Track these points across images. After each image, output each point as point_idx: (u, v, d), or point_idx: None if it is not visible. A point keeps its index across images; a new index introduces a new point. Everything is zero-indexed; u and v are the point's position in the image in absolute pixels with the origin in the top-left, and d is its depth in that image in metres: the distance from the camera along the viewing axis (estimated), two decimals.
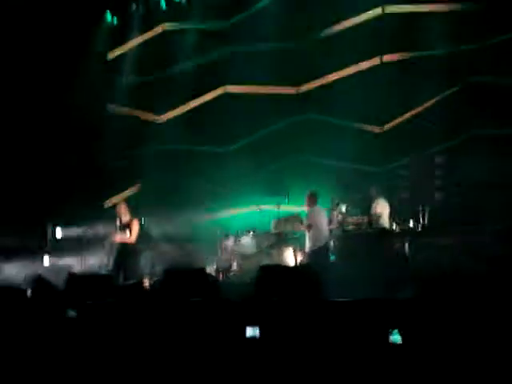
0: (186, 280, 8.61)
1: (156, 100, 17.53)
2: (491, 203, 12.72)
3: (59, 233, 16.87)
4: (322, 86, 16.12)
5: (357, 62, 15.65)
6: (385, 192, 12.93)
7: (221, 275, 13.64)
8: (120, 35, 18.00)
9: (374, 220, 12.28)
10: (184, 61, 17.37)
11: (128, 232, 12.07)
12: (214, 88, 17.24)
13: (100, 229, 14.36)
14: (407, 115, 15.10)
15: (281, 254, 13.24)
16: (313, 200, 12.74)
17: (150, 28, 18.01)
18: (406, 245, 11.53)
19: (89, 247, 14.86)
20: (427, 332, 6.20)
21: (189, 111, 17.55)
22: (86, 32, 16.72)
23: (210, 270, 13.56)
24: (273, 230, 13.72)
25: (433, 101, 14.82)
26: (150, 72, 17.74)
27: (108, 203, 16.89)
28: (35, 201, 15.68)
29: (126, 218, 12.20)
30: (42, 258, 16.08)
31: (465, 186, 13.77)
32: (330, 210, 12.95)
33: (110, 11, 17.99)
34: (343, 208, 12.63)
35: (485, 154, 13.54)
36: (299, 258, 13.32)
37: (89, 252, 14.95)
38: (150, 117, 17.90)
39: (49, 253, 16.47)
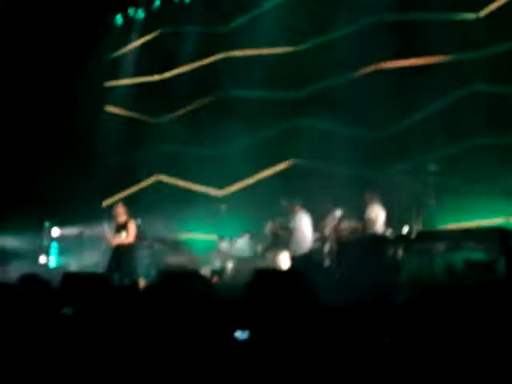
0: (180, 282, 8.66)
1: (154, 102, 17.61)
2: None
3: (56, 232, 16.94)
4: (320, 91, 16.16)
5: (355, 67, 15.69)
6: (381, 197, 12.94)
7: (215, 278, 13.68)
8: (121, 38, 18.09)
9: (368, 225, 12.31)
10: (183, 64, 17.47)
11: (124, 233, 12.11)
12: (212, 91, 17.31)
13: (97, 229, 14.39)
14: (406, 121, 15.11)
15: (276, 257, 13.27)
16: (298, 206, 12.77)
17: (150, 31, 18.12)
18: (400, 251, 11.55)
19: (85, 247, 14.90)
20: (419, 338, 6.24)
21: (186, 113, 17.64)
22: (86, 34, 16.77)
23: (205, 272, 13.60)
24: (267, 232, 13.74)
25: (432, 108, 14.83)
26: (149, 74, 17.83)
27: (106, 203, 16.95)
28: (33, 200, 15.72)
29: (122, 218, 12.24)
30: (38, 257, 16.15)
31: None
32: (326, 215, 12.99)
33: (112, 14, 18.08)
34: (338, 213, 12.67)
35: (485, 163, 13.59)
36: None
37: (85, 252, 15.00)
38: (148, 119, 17.97)
39: (45, 252, 16.54)
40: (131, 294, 9.18)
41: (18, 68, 16.07)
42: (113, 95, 17.98)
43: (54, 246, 17.08)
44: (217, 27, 17.55)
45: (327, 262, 12.66)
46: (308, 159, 15.88)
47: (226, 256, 14.42)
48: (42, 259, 16.33)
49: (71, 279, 9.10)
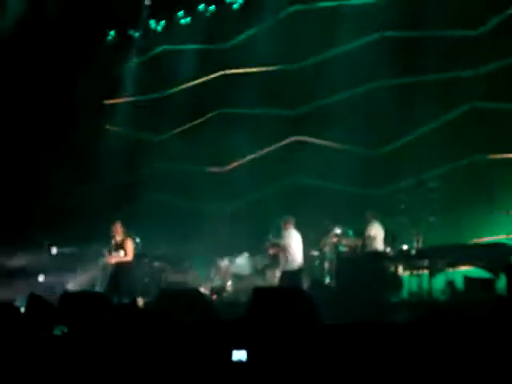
0: (180, 300, 8.61)
1: (154, 120, 17.61)
2: None
3: (54, 250, 16.87)
4: (318, 109, 16.17)
5: (355, 85, 15.69)
6: (381, 215, 12.91)
7: (215, 295, 13.62)
8: (120, 55, 18.13)
9: (367, 243, 12.29)
10: (181, 81, 17.51)
11: (122, 251, 12.05)
12: (212, 108, 17.34)
13: (95, 247, 14.32)
14: (405, 139, 15.10)
15: (275, 275, 13.22)
16: (289, 223, 12.82)
17: (149, 49, 18.17)
18: (400, 268, 11.51)
19: (84, 265, 14.83)
20: (418, 357, 6.18)
21: (186, 131, 17.65)
22: (86, 52, 16.80)
23: (205, 289, 13.55)
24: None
25: (432, 125, 14.81)
26: (148, 92, 17.86)
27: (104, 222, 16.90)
28: (30, 218, 15.70)
29: (120, 237, 12.20)
30: (37, 275, 16.06)
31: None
32: (325, 233, 12.97)
33: (111, 31, 18.15)
34: (338, 230, 12.65)
35: (486, 180, 13.59)
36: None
37: (83, 270, 14.92)
38: (148, 136, 17.98)
39: (44, 271, 16.46)
40: (130, 312, 9.13)
41: (19, 85, 16.09)
42: (112, 113, 17.98)
43: (53, 264, 17.00)
44: (216, 45, 17.60)
45: (327, 279, 12.62)
46: (307, 176, 15.86)
47: (225, 274, 14.36)
48: (41, 278, 16.24)
49: (69, 298, 9.05)
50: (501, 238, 12.11)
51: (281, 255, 12.83)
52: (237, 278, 14.11)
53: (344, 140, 15.52)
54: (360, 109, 15.29)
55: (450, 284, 10.93)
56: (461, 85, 14.44)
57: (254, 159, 16.83)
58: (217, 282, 14.57)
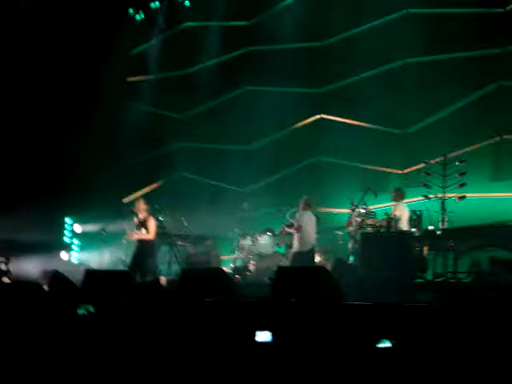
0: (203, 279, 8.59)
1: (178, 97, 17.53)
2: None
3: (78, 228, 16.94)
4: (345, 86, 16.05)
5: (381, 62, 15.55)
6: (406, 195, 12.79)
7: (237, 275, 13.60)
8: (144, 32, 18.06)
9: (392, 223, 12.18)
10: (206, 58, 17.41)
11: (144, 229, 12.03)
12: (236, 86, 17.25)
13: (119, 225, 14.33)
14: (431, 118, 14.96)
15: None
16: (305, 204, 12.79)
17: (173, 25, 18.07)
18: (425, 248, 11.39)
19: (107, 244, 14.86)
20: (441, 338, 6.10)
21: (210, 108, 17.58)
22: (110, 29, 16.74)
23: (227, 269, 13.52)
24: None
25: (458, 104, 14.66)
26: (173, 69, 17.79)
27: (127, 200, 16.93)
28: (55, 196, 15.73)
29: (143, 215, 12.18)
30: (59, 253, 16.13)
31: None
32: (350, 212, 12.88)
33: (134, 9, 18.07)
34: (362, 210, 12.55)
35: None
36: (318, 259, 13.27)
37: (107, 248, 14.96)
38: (172, 114, 17.93)
39: (66, 248, 16.54)
40: (153, 291, 9.13)
41: (42, 65, 16.08)
42: (136, 90, 17.93)
43: (76, 242, 17.09)
44: (241, 21, 17.48)
45: (351, 259, 12.54)
46: (332, 155, 15.77)
47: (248, 253, 14.33)
48: (64, 255, 16.30)
49: (93, 276, 9.06)
50: None
51: (294, 235, 12.89)
52: (259, 257, 14.08)
53: (369, 119, 15.40)
54: (386, 87, 15.17)
55: (476, 265, 10.80)
56: (487, 63, 14.27)
57: (278, 136, 16.74)
58: (239, 262, 14.56)
